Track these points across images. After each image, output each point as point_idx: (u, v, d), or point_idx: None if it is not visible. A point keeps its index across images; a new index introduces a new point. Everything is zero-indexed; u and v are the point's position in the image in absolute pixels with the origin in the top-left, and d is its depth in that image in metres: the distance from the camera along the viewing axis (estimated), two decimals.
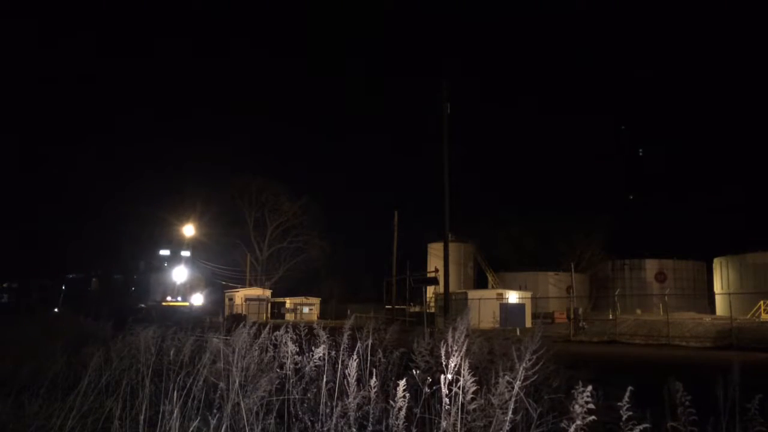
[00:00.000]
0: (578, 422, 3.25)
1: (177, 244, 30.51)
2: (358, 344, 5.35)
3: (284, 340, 5.53)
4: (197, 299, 29.01)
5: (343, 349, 5.00)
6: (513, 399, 3.82)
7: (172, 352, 5.79)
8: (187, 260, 29.51)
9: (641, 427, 3.22)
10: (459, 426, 3.90)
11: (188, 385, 4.79)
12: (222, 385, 4.80)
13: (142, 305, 27.51)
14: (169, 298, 27.35)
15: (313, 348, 5.38)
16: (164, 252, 29.24)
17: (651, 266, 42.90)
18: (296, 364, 5.36)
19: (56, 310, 33.51)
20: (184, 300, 28.07)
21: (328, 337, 5.44)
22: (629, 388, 3.36)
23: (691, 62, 73.64)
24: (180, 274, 28.39)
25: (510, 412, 3.81)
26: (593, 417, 3.28)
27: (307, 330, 5.93)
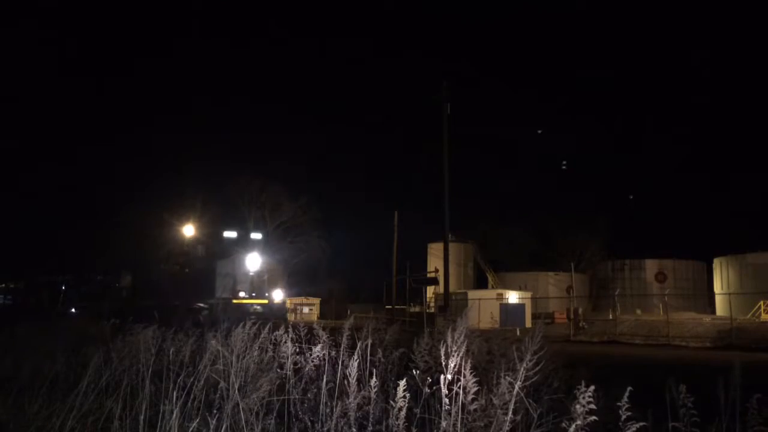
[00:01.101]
0: (578, 422, 3.25)
1: (241, 224, 24.59)
2: (358, 344, 5.35)
3: (284, 340, 5.53)
4: (278, 295, 21.97)
5: (343, 349, 4.99)
6: (513, 399, 3.82)
7: (171, 352, 5.78)
8: (259, 244, 22.82)
9: (638, 425, 3.22)
10: (459, 426, 3.90)
11: (188, 385, 4.79)
12: (222, 384, 4.80)
13: (201, 304, 21.24)
14: (242, 294, 20.67)
15: (312, 348, 5.38)
16: (229, 234, 22.59)
17: (651, 266, 42.89)
18: (296, 364, 5.36)
19: (73, 310, 30.31)
20: (260, 296, 21.29)
21: (328, 337, 5.44)
22: (629, 388, 3.36)
23: (691, 62, 73.69)
24: (253, 262, 21.45)
25: (510, 413, 3.80)
26: (594, 417, 3.28)
27: (306, 330, 5.93)
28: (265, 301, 21.19)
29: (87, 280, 33.42)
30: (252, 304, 20.52)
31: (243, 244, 22.34)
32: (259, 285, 21.44)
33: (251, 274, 21.26)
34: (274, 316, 15.16)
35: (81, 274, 34.39)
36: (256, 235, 23.42)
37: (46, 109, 61.42)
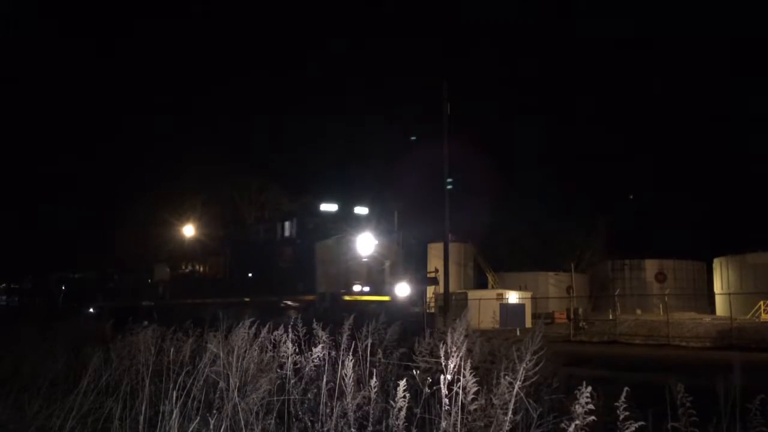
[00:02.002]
0: (577, 422, 3.25)
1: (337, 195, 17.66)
2: (358, 344, 5.35)
3: (283, 340, 5.53)
4: (402, 290, 15.54)
5: (343, 349, 4.99)
6: (513, 399, 3.82)
7: (171, 352, 5.78)
8: (367, 222, 15.90)
9: (636, 425, 3.22)
10: (459, 426, 3.90)
11: (188, 385, 4.79)
12: (222, 384, 4.80)
13: (289, 302, 14.88)
14: (356, 288, 14.44)
15: (312, 348, 5.38)
16: (328, 207, 15.99)
17: (651, 266, 42.89)
18: (296, 364, 5.36)
19: (91, 310, 26.85)
20: (380, 290, 15.06)
21: (328, 338, 5.44)
22: (625, 388, 3.37)
23: (689, 61, 73.68)
24: (365, 244, 15.14)
25: (510, 413, 3.81)
26: (593, 417, 3.28)
27: (306, 330, 5.93)
28: (387, 298, 14.98)
29: (110, 276, 28.55)
30: (370, 302, 14.37)
31: (349, 220, 15.70)
32: (377, 276, 15.23)
33: (364, 260, 15.03)
34: (403, 318, 10.08)
35: (104, 270, 29.56)
36: (360, 210, 16.39)
37: (60, 105, 61.41)
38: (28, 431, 4.99)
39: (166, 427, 4.26)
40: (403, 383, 3.99)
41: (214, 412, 4.39)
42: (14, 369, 7.38)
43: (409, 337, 7.30)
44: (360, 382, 4.72)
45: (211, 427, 4.08)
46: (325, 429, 4.49)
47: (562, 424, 3.42)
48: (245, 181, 52.33)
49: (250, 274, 17.39)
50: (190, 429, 4.20)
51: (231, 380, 4.61)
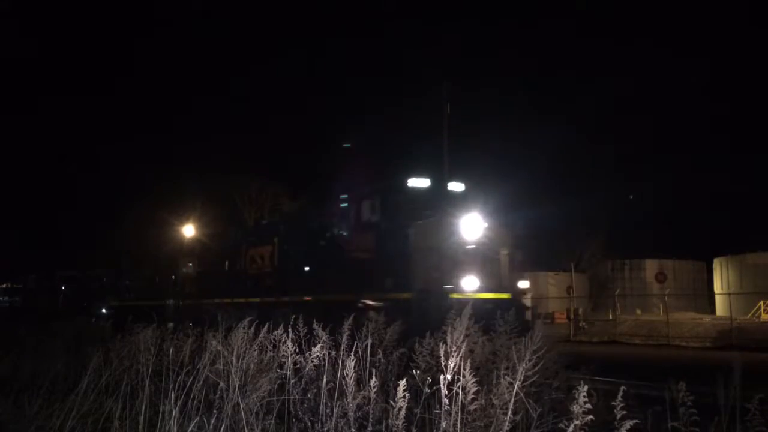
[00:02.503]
0: (577, 422, 3.25)
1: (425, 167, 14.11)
2: (358, 344, 5.35)
3: (283, 340, 5.53)
4: (523, 285, 12.56)
5: (343, 349, 5.00)
6: (513, 399, 3.83)
7: (171, 352, 5.79)
8: (472, 200, 12.51)
9: (632, 422, 3.23)
10: (459, 426, 3.90)
11: (188, 385, 4.79)
12: (222, 384, 4.80)
13: (369, 300, 11.56)
14: (469, 282, 10.91)
15: (312, 348, 5.38)
16: (418, 182, 12.63)
17: (651, 266, 42.89)
18: (295, 364, 5.36)
19: (104, 311, 24.99)
20: (500, 286, 11.72)
21: (327, 337, 5.44)
22: (622, 387, 3.38)
23: (688, 60, 73.71)
24: (474, 228, 11.61)
25: (510, 412, 3.81)
26: (591, 417, 3.29)
27: (306, 330, 5.93)
28: (507, 295, 11.63)
29: (124, 274, 26.77)
30: (487, 301, 10.88)
31: (437, 200, 12.17)
32: (492, 267, 11.73)
33: (472, 248, 11.35)
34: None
35: (116, 267, 27.81)
36: (456, 186, 13.01)
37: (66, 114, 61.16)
38: (28, 431, 4.98)
39: (166, 427, 4.26)
40: (402, 383, 3.99)
41: (214, 411, 4.40)
42: (14, 369, 7.39)
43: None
44: (359, 382, 4.72)
45: (211, 426, 4.08)
46: (325, 429, 4.49)
47: (561, 424, 3.42)
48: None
49: (307, 268, 14.14)
50: (190, 429, 4.20)
51: (231, 380, 4.61)
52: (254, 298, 15.10)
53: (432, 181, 12.76)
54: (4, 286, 44.01)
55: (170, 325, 7.09)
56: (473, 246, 11.43)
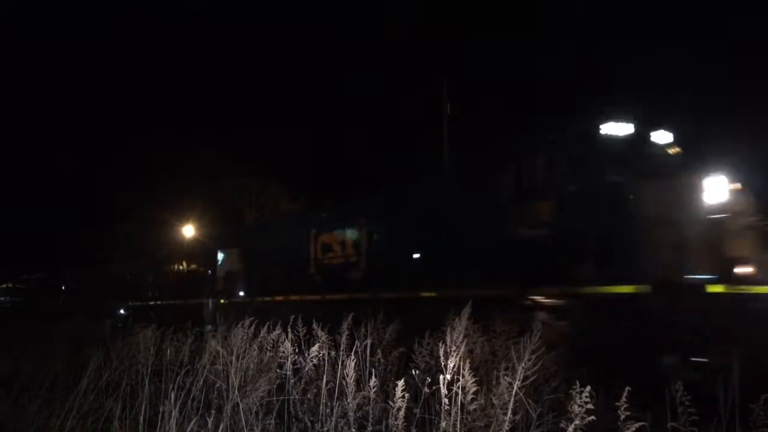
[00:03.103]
0: (576, 422, 3.24)
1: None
2: (357, 344, 5.35)
3: (283, 340, 5.52)
4: None
5: (343, 349, 4.99)
6: (512, 399, 3.82)
7: (170, 352, 5.78)
8: (677, 155, 8.90)
9: (637, 425, 3.21)
10: (459, 426, 3.90)
11: (188, 385, 4.79)
12: (222, 385, 4.80)
13: (539, 297, 8.43)
14: (741, 268, 6.86)
15: (311, 348, 5.37)
16: (615, 128, 8.38)
17: None
18: (295, 364, 5.36)
19: (122, 311, 22.98)
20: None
21: (327, 337, 5.43)
22: (627, 388, 3.36)
23: (688, 58, 73.55)
24: (718, 194, 7.46)
25: (509, 412, 3.80)
26: (592, 417, 3.28)
27: (306, 330, 5.93)
28: None
29: (147, 270, 24.50)
30: (756, 294, 7.01)
31: (641, 154, 8.76)
32: (757, 247, 7.73)
33: (717, 219, 7.62)
34: None
35: (137, 263, 25.82)
36: (662, 135, 9.18)
37: (64, 111, 60.91)
38: (28, 431, 4.99)
39: (166, 427, 4.26)
40: (402, 383, 3.99)
41: (214, 411, 4.40)
42: (14, 369, 7.39)
43: None
44: (359, 382, 4.71)
45: (211, 426, 4.08)
46: (325, 429, 4.49)
47: (561, 425, 3.41)
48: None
49: (417, 255, 11.16)
50: (189, 428, 4.20)
51: (231, 380, 4.61)
52: (335, 295, 12.32)
53: (636, 127, 8.83)
54: (4, 286, 43.50)
55: (208, 327, 6.44)
56: (717, 216, 7.73)
